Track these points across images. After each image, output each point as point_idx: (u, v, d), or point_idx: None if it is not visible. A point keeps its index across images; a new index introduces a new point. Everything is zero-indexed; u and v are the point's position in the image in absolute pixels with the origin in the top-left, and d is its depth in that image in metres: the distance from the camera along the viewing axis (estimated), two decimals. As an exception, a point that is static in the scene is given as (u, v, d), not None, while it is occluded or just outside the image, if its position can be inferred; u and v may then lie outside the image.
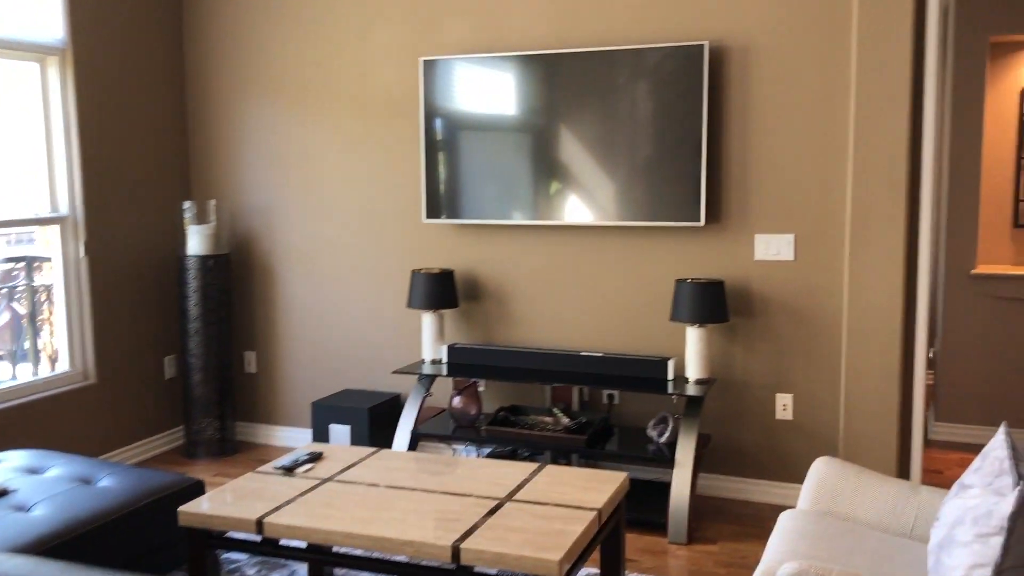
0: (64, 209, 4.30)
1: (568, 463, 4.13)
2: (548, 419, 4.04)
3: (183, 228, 4.62)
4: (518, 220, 4.20)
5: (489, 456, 4.28)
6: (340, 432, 4.41)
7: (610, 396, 4.24)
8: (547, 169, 4.12)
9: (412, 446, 4.09)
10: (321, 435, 4.46)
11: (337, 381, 4.79)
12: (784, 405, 3.97)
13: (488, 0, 4.27)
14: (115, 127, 4.49)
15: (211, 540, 2.72)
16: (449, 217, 4.32)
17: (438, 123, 4.29)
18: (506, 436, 3.90)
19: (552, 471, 2.95)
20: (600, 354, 4.04)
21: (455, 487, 2.81)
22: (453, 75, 4.24)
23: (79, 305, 4.37)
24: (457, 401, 4.11)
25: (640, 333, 4.16)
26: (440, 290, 4.22)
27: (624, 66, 3.94)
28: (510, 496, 2.72)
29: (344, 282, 4.72)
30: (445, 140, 4.29)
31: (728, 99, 3.92)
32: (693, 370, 3.84)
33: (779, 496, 4.02)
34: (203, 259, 4.56)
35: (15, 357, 4.33)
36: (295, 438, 4.91)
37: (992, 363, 4.79)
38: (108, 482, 3.02)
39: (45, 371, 4.33)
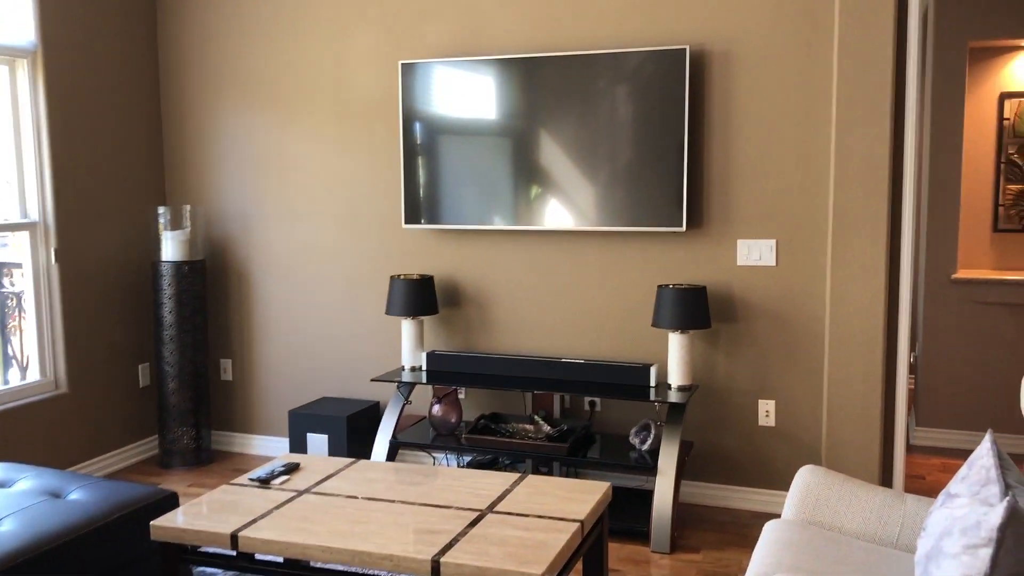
0: (34, 215, 4.21)
1: (549, 471, 4.08)
2: (529, 427, 4.00)
3: (157, 234, 4.54)
4: (498, 225, 4.15)
5: (469, 464, 4.23)
6: (317, 441, 4.35)
7: (592, 403, 4.20)
8: (527, 174, 4.08)
9: (391, 455, 4.03)
10: (298, 444, 4.39)
11: (315, 389, 4.72)
12: (767, 411, 3.94)
13: (468, 3, 4.22)
14: (87, 131, 4.41)
15: (185, 555, 2.65)
16: (428, 222, 4.27)
17: (417, 127, 4.24)
18: (487, 444, 3.85)
19: (533, 481, 2.91)
20: (582, 361, 4.00)
21: (435, 498, 2.75)
22: (432, 79, 4.19)
23: (50, 313, 4.28)
24: (437, 409, 4.06)
25: (622, 339, 4.12)
26: (419, 296, 4.17)
27: (605, 70, 3.91)
28: (491, 507, 2.67)
29: (322, 288, 4.65)
30: (424, 145, 4.24)
31: (709, 103, 3.89)
32: (675, 376, 3.80)
33: (762, 503, 3.99)
34: (178, 265, 4.48)
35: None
36: (272, 447, 4.84)
37: (973, 368, 4.80)
38: (78, 495, 2.94)
39: (15, 380, 4.24)
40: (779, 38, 3.77)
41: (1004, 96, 5.00)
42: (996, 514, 1.87)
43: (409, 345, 4.21)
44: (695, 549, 3.60)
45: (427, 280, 4.21)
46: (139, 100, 4.72)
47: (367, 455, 4.41)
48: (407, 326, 4.21)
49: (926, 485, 4.31)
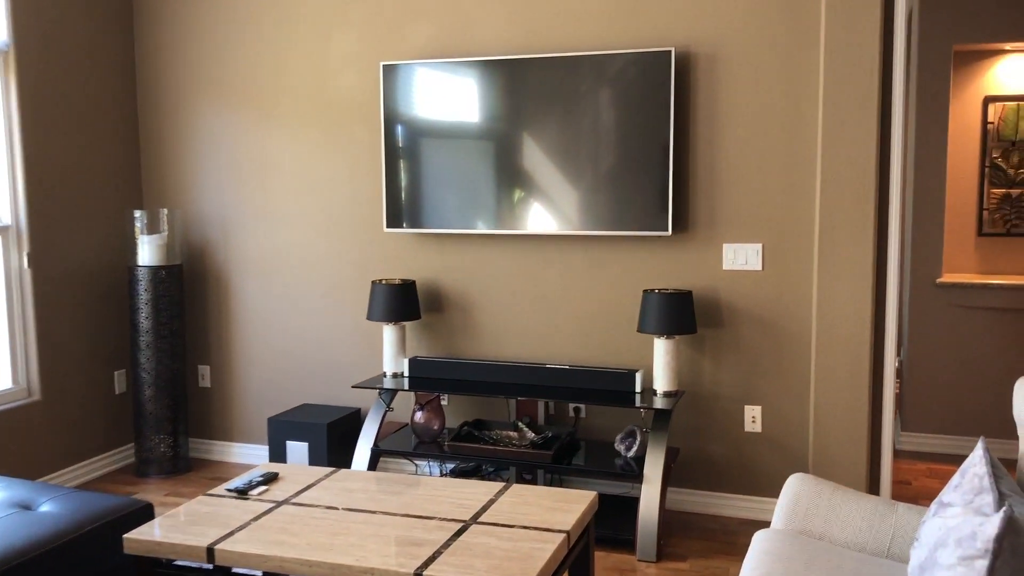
0: (6, 218, 4.12)
1: (534, 478, 4.02)
2: (513, 434, 3.94)
3: (134, 238, 4.45)
4: (481, 229, 4.10)
5: (452, 472, 4.16)
6: (298, 449, 4.27)
7: (576, 409, 4.15)
8: (511, 177, 4.02)
9: (373, 463, 3.96)
10: (278, 452, 4.31)
11: (295, 396, 4.65)
12: (753, 417, 3.90)
13: (451, 4, 4.17)
14: (61, 132, 4.31)
15: (159, 569, 2.57)
16: (411, 226, 4.21)
17: (399, 130, 4.18)
18: (470, 452, 3.79)
19: (518, 490, 2.85)
20: (566, 366, 3.95)
21: (417, 509, 2.69)
22: (414, 80, 4.13)
23: (22, 318, 4.18)
24: (419, 416, 3.99)
25: (607, 345, 4.07)
26: (401, 301, 4.11)
27: (590, 72, 3.86)
28: (475, 518, 2.61)
29: (302, 293, 4.58)
30: (406, 147, 4.18)
31: (695, 106, 3.85)
32: (661, 382, 3.76)
33: (749, 510, 3.95)
34: (155, 270, 4.40)
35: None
36: (251, 455, 4.75)
37: (958, 372, 4.78)
38: (50, 507, 2.85)
39: (-14, 388, 4.14)
40: (765, 41, 3.74)
41: (988, 100, 5.00)
42: (992, 525, 1.83)
43: (391, 351, 4.15)
44: (682, 557, 3.55)
45: (409, 285, 4.14)
46: (115, 101, 4.63)
47: (348, 463, 4.34)
48: (389, 332, 4.15)
49: (912, 490, 4.29)
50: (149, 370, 4.44)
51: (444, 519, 2.60)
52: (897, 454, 4.84)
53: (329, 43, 4.40)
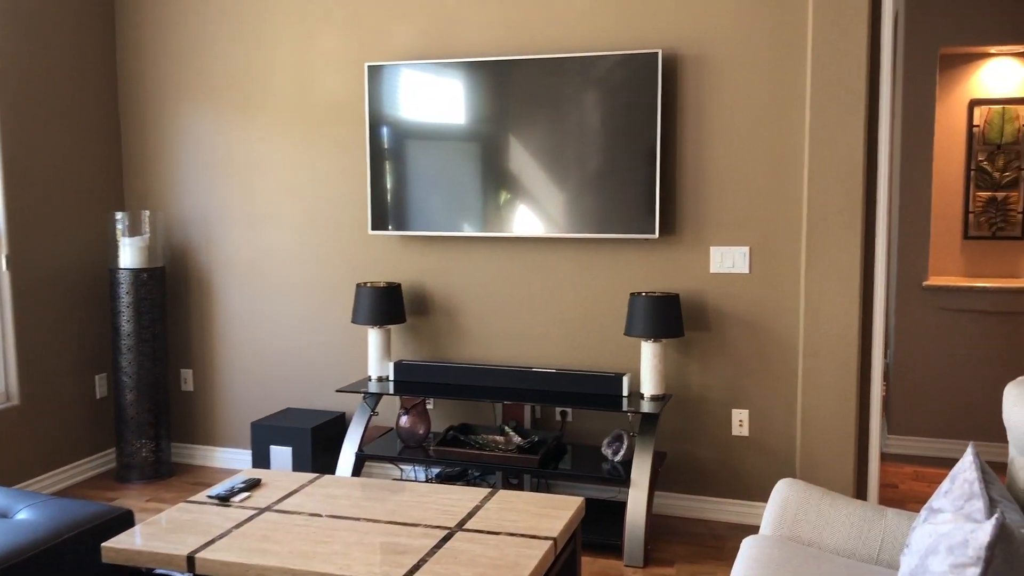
0: (-15, 220, 4.05)
1: (520, 483, 3.99)
2: (499, 438, 3.90)
3: (115, 240, 4.39)
4: (467, 232, 4.06)
5: (438, 477, 4.13)
6: (281, 454, 4.22)
7: (563, 413, 4.12)
8: (497, 179, 3.99)
9: (357, 468, 3.92)
10: (261, 456, 4.26)
11: (278, 400, 4.60)
12: (740, 421, 3.88)
13: (436, 5, 4.13)
14: (41, 133, 4.25)
15: (138, 578, 2.52)
16: (396, 229, 4.17)
17: (384, 131, 4.14)
18: (456, 456, 3.75)
19: (504, 496, 2.82)
20: (553, 370, 3.92)
21: (402, 516, 2.65)
22: (399, 81, 4.09)
23: (0, 322, 4.11)
24: (405, 420, 3.95)
25: (594, 348, 4.05)
26: (386, 305, 4.07)
27: (576, 74, 3.84)
28: (460, 525, 2.57)
29: (286, 296, 4.53)
30: (392, 149, 4.14)
31: (682, 109, 3.83)
32: (648, 386, 3.73)
33: (736, 514, 3.93)
34: (136, 272, 4.34)
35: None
36: (234, 459, 4.70)
37: (944, 375, 4.78)
38: (27, 514, 2.80)
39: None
40: (752, 43, 3.72)
41: (974, 103, 5.00)
42: (984, 532, 1.81)
43: (376, 354, 4.11)
44: (669, 563, 3.52)
45: (394, 288, 4.10)
46: (96, 101, 4.57)
47: (332, 467, 4.29)
48: (374, 335, 4.11)
49: (899, 494, 4.28)
50: (131, 374, 4.38)
51: (429, 526, 2.57)
52: (884, 457, 4.83)
53: (313, 43, 4.35)
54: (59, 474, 4.38)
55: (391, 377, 4.12)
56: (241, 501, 2.79)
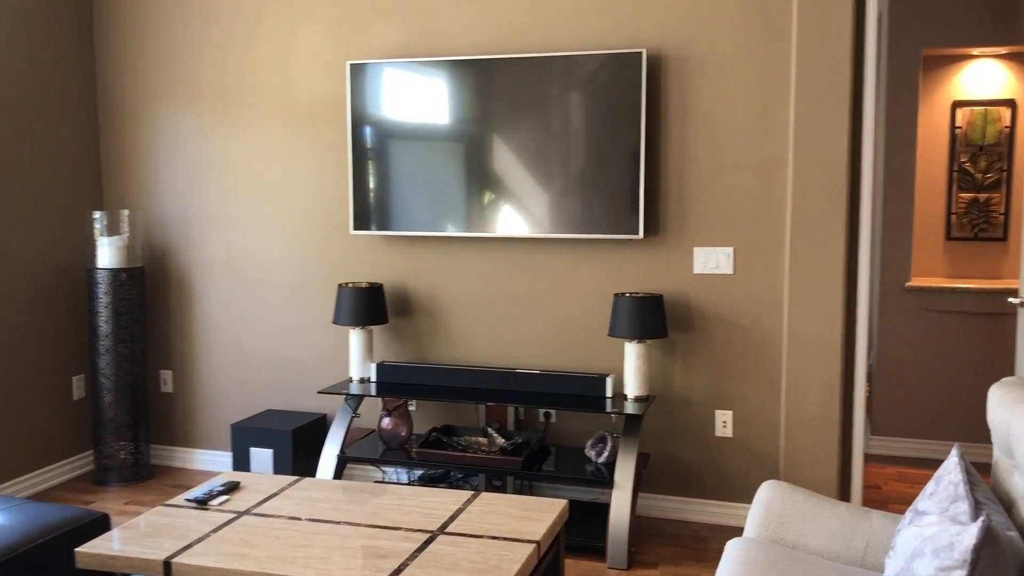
0: (-41, 219, 3.99)
1: (503, 485, 3.96)
2: (482, 440, 3.87)
3: (93, 239, 4.33)
4: (451, 232, 4.03)
5: (420, 479, 4.09)
6: (262, 456, 4.17)
7: (547, 415, 4.09)
8: (481, 179, 3.96)
9: (339, 470, 3.88)
10: (241, 459, 4.21)
11: (259, 401, 4.55)
12: (724, 422, 3.87)
13: (419, 3, 4.10)
14: (17, 130, 4.19)
15: (114, 583, 2.48)
16: (378, 228, 4.13)
17: (367, 130, 4.10)
18: (438, 458, 3.72)
19: (487, 499, 2.79)
20: (536, 371, 3.89)
21: (383, 519, 2.62)
22: (382, 80, 4.06)
23: (-24, 322, 4.05)
24: (386, 422, 3.92)
25: (578, 349, 4.02)
26: (368, 305, 4.03)
27: (560, 73, 3.82)
28: (442, 528, 2.54)
29: (267, 297, 4.48)
30: (374, 148, 4.10)
31: (666, 109, 3.82)
32: (632, 387, 3.71)
33: (720, 515, 3.91)
34: (115, 272, 4.28)
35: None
36: (215, 462, 4.64)
37: (927, 376, 4.79)
38: (0, 519, 2.74)
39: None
40: (737, 43, 3.71)
41: (956, 104, 5.02)
42: (970, 535, 1.79)
43: (358, 356, 4.07)
44: (653, 565, 3.50)
45: (376, 288, 4.06)
46: (74, 99, 4.51)
47: (313, 470, 4.25)
48: (355, 336, 4.07)
49: (882, 495, 4.28)
50: (109, 375, 4.32)
51: (411, 529, 2.53)
52: (866, 458, 4.83)
53: (295, 41, 4.31)
54: (35, 477, 4.32)
55: (373, 378, 4.08)
56: (219, 504, 2.75)
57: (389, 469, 4.26)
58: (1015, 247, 5.01)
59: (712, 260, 3.82)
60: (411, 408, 4.28)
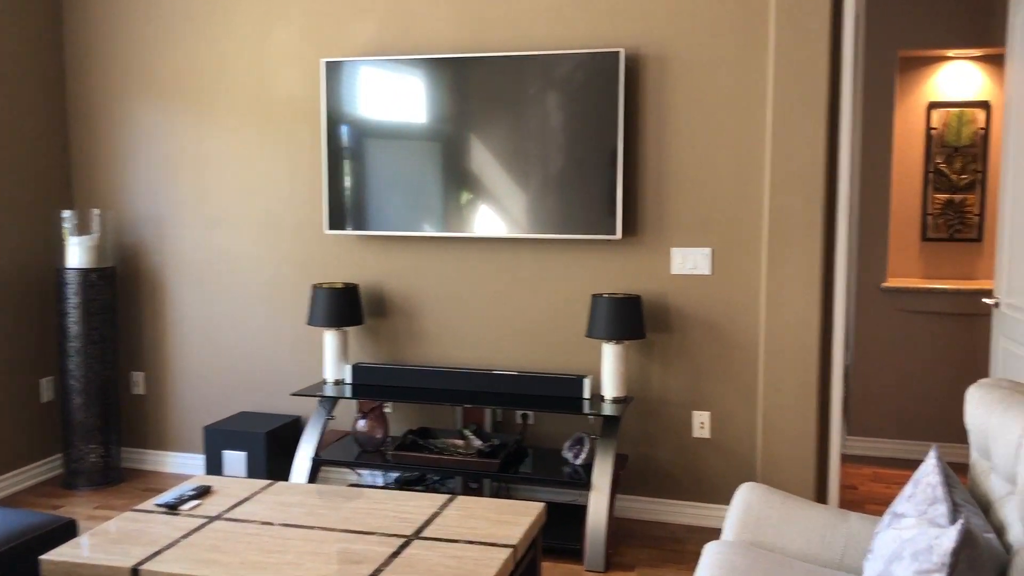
0: (-76, 218, 3.90)
1: (480, 487, 3.93)
2: (459, 442, 3.84)
3: (62, 239, 4.25)
4: (427, 232, 3.99)
5: (396, 482, 4.05)
6: (235, 459, 4.12)
7: (524, 416, 4.07)
8: (458, 179, 3.93)
9: (313, 473, 3.83)
10: (214, 462, 4.15)
11: (232, 403, 4.49)
12: (702, 423, 3.86)
13: (396, 0, 4.05)
14: (-16, 128, 4.10)
15: (80, 591, 2.42)
16: (354, 228, 4.09)
17: (342, 129, 4.05)
18: (414, 461, 3.68)
19: (463, 502, 2.75)
20: (514, 372, 3.86)
21: (357, 524, 2.57)
22: (357, 78, 4.01)
23: (-59, 324, 3.97)
24: (362, 424, 3.87)
25: (555, 350, 4.00)
26: (343, 306, 3.98)
27: (538, 72, 3.79)
28: (418, 533, 2.51)
29: (240, 297, 4.42)
30: (350, 147, 4.06)
31: (644, 109, 3.80)
32: (610, 388, 3.69)
33: (697, 517, 3.90)
34: (85, 272, 4.21)
35: None
36: (187, 464, 4.58)
37: (902, 377, 4.80)
38: (-36, 525, 2.68)
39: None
40: (715, 44, 3.70)
41: (932, 105, 5.04)
42: (949, 538, 1.78)
43: (332, 357, 4.02)
44: (630, 567, 3.48)
45: (351, 289, 4.02)
46: (42, 96, 4.42)
47: (287, 473, 4.19)
48: (330, 337, 4.02)
49: (858, 495, 4.29)
50: (78, 377, 4.24)
51: (385, 534, 2.50)
52: (843, 458, 4.84)
53: (269, 39, 4.26)
54: (2, 481, 4.23)
55: (348, 380, 4.03)
56: (190, 509, 2.70)
57: (364, 472, 4.21)
58: (990, 248, 5.04)
59: (690, 261, 3.81)
60: (387, 410, 4.23)
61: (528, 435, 4.08)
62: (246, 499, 2.78)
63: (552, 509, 3.90)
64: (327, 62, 4.03)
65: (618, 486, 3.98)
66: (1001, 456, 2.09)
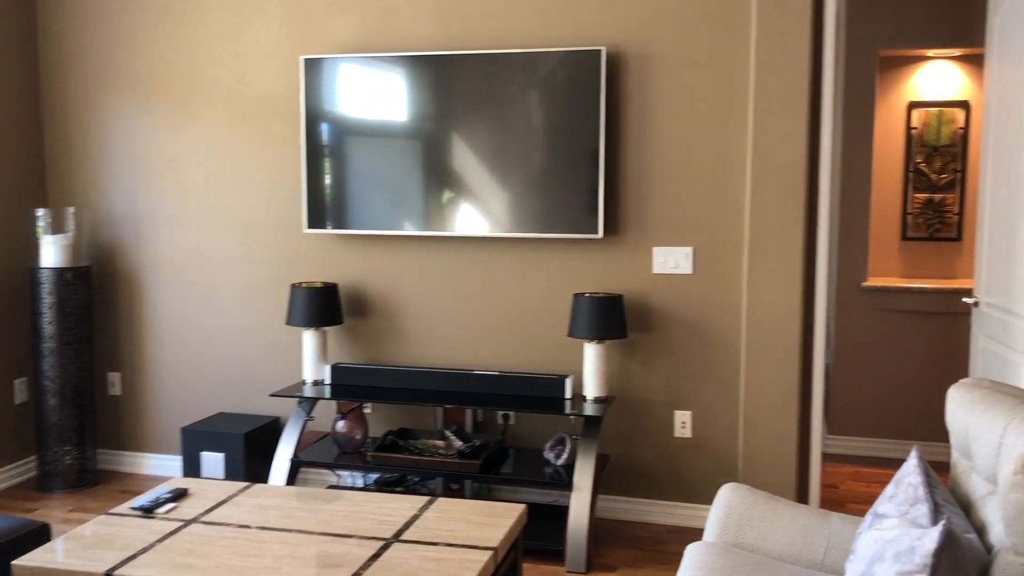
0: None
1: (461, 488, 3.90)
2: (440, 443, 3.81)
3: (36, 238, 4.19)
4: (408, 231, 3.96)
5: (376, 484, 4.02)
6: (213, 460, 4.07)
7: (505, 416, 4.04)
8: (439, 177, 3.90)
9: (292, 474, 3.79)
10: (192, 463, 4.10)
11: (210, 404, 4.43)
12: (683, 423, 3.85)
13: (375, -3, 4.02)
14: (-44, 125, 4.03)
15: (53, 596, 2.38)
16: (333, 227, 4.05)
17: (322, 127, 4.01)
18: (394, 462, 3.65)
19: (444, 504, 2.73)
20: (495, 372, 3.84)
21: (336, 527, 2.54)
22: (337, 75, 3.97)
23: (-88, 324, 3.90)
24: (341, 425, 3.84)
25: (537, 350, 3.98)
26: (323, 306, 3.94)
27: (519, 70, 3.76)
28: (397, 535, 2.48)
29: (218, 297, 4.37)
30: (329, 145, 4.02)
31: (626, 107, 3.78)
32: (591, 388, 3.67)
33: (679, 517, 3.89)
34: (60, 272, 4.15)
35: None
36: (164, 466, 4.52)
37: (883, 376, 4.82)
38: (-67, 530, 2.63)
39: None
40: (696, 42, 3.69)
41: (912, 105, 5.05)
42: (931, 539, 1.77)
43: (311, 357, 3.98)
44: (612, 568, 3.47)
45: (331, 288, 3.98)
46: (16, 92, 4.36)
47: (266, 474, 4.15)
48: (309, 337, 3.98)
49: (839, 494, 4.29)
50: (53, 378, 4.18)
51: (364, 537, 2.47)
52: (824, 457, 4.85)
53: (247, 34, 4.21)
54: (-24, 484, 4.17)
55: (327, 381, 3.99)
56: (166, 512, 2.66)
57: (344, 473, 4.18)
58: (969, 247, 5.06)
59: (671, 260, 3.80)
60: (366, 411, 4.20)
61: (509, 435, 4.06)
62: (223, 502, 2.74)
63: (533, 510, 3.88)
64: (306, 59, 3.99)
65: (600, 486, 3.96)
66: (982, 456, 2.09)
